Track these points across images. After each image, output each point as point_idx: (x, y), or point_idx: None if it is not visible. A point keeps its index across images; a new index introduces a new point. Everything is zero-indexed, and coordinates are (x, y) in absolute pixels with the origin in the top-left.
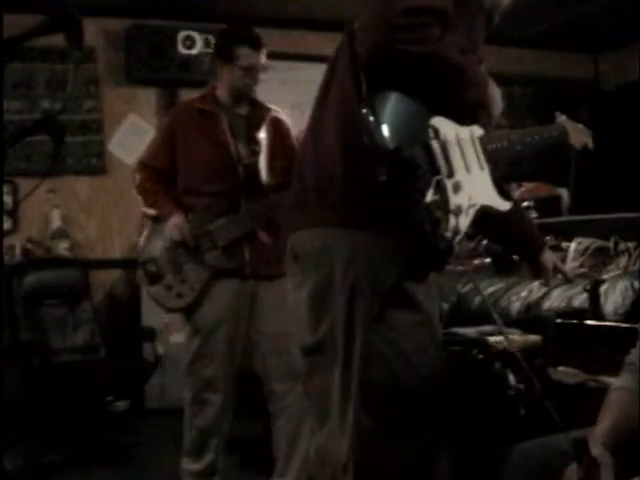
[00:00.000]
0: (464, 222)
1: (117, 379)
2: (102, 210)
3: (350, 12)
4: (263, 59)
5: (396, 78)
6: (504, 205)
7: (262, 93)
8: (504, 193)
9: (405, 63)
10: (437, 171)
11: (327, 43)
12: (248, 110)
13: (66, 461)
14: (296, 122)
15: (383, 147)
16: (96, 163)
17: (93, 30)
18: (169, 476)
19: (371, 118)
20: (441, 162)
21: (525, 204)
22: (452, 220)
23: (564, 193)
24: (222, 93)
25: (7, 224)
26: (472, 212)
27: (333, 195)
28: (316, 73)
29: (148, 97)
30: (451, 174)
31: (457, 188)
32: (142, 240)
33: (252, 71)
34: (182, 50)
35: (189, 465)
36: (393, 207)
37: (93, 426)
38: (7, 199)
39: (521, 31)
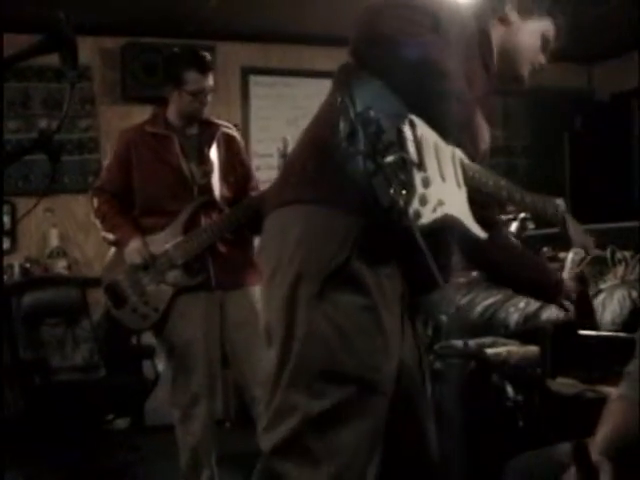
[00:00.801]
0: (428, 214)
1: (117, 397)
2: (99, 228)
3: (346, 28)
4: (211, 81)
5: (378, 68)
6: (479, 232)
7: (258, 107)
8: (484, 223)
9: (388, 50)
10: (406, 152)
11: (323, 59)
12: (198, 129)
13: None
14: (292, 138)
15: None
16: (93, 181)
17: (88, 48)
18: None
19: (349, 106)
20: (411, 149)
21: (522, 215)
22: (415, 203)
23: (561, 203)
24: (172, 115)
25: (6, 244)
26: (440, 211)
27: (294, 173)
28: (312, 88)
29: (144, 114)
30: (421, 167)
31: (426, 183)
32: (105, 264)
33: (200, 95)
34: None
35: None
36: (351, 174)
37: (93, 444)
38: (5, 219)
39: None
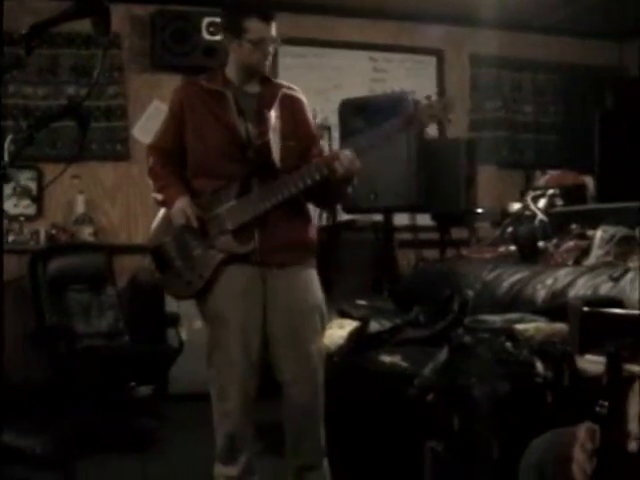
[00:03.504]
0: None
1: (140, 364)
2: (126, 196)
3: (382, 0)
4: (274, 31)
5: None
6: None
7: (287, 78)
8: None
9: None
10: None
11: (353, 30)
12: (259, 88)
13: (91, 445)
14: (320, 109)
15: None
16: (120, 149)
17: (118, 16)
18: (193, 461)
19: None
20: None
21: (550, 192)
22: None
23: (589, 181)
24: (231, 71)
25: (32, 210)
26: None
27: None
28: (342, 60)
29: (172, 83)
30: None
31: None
32: (152, 227)
33: (262, 44)
34: (206, 36)
35: (223, 470)
36: None
37: (117, 411)
38: (32, 185)
39: (546, 17)
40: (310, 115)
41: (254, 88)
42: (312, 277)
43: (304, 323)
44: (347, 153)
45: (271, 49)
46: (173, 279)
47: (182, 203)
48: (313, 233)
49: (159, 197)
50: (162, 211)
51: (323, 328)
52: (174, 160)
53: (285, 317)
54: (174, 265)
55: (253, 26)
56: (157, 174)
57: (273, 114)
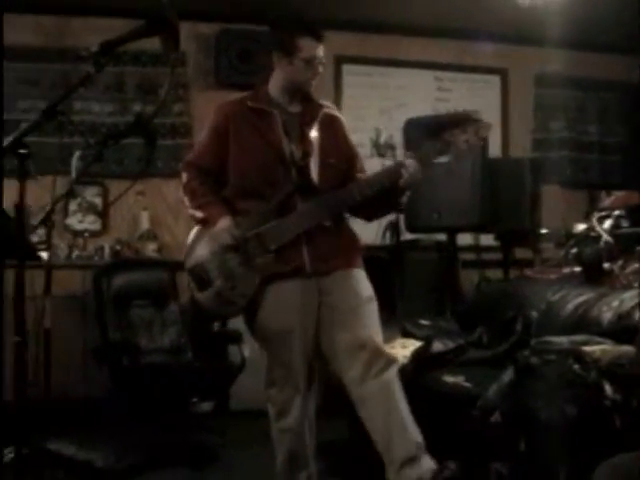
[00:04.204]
0: None
1: (202, 381)
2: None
3: (439, 18)
4: (322, 51)
5: None
6: None
7: (351, 96)
8: None
9: None
10: None
11: (417, 49)
12: (300, 107)
13: (151, 459)
14: (384, 127)
15: None
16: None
17: (184, 34)
18: (255, 476)
19: None
20: None
21: (616, 213)
22: None
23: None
24: (275, 90)
25: (97, 225)
26: None
27: None
28: (406, 79)
29: None
30: None
31: None
32: (188, 245)
33: (313, 63)
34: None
35: None
36: None
37: (178, 426)
38: (97, 201)
39: (611, 36)
40: (348, 134)
41: (296, 107)
42: (362, 275)
43: (362, 314)
44: (412, 161)
45: (320, 69)
46: (213, 298)
47: (226, 222)
48: (357, 239)
49: (198, 215)
50: (197, 229)
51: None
52: (212, 178)
53: (344, 315)
54: (214, 284)
55: (306, 44)
56: (195, 191)
57: (314, 133)
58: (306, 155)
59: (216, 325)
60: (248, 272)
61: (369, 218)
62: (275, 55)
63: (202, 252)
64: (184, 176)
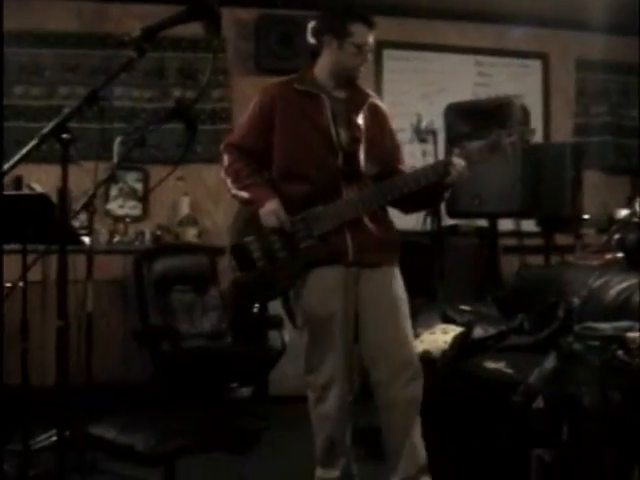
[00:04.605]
0: None
1: (242, 366)
2: (230, 198)
3: (479, 2)
4: (372, 39)
5: None
6: None
7: (392, 81)
8: None
9: None
10: None
11: (460, 34)
12: (347, 94)
13: (191, 444)
14: (425, 113)
15: None
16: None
17: (223, 20)
18: (293, 462)
19: None
20: None
21: None
22: None
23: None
24: (322, 74)
25: (138, 211)
26: None
27: None
28: (446, 64)
29: None
30: None
31: None
32: (232, 224)
33: (364, 49)
34: (311, 39)
35: (323, 473)
36: None
37: (218, 411)
38: (138, 186)
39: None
40: (392, 125)
41: (342, 93)
42: (398, 275)
43: (398, 316)
44: (459, 160)
45: (370, 56)
46: (255, 279)
47: (274, 205)
48: (397, 233)
49: (244, 195)
50: (241, 209)
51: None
52: (257, 159)
53: (379, 317)
54: (257, 265)
55: (358, 30)
56: (239, 172)
57: (360, 121)
58: (355, 141)
59: (257, 310)
60: (291, 256)
61: (407, 211)
62: (326, 38)
63: (245, 232)
64: (226, 157)
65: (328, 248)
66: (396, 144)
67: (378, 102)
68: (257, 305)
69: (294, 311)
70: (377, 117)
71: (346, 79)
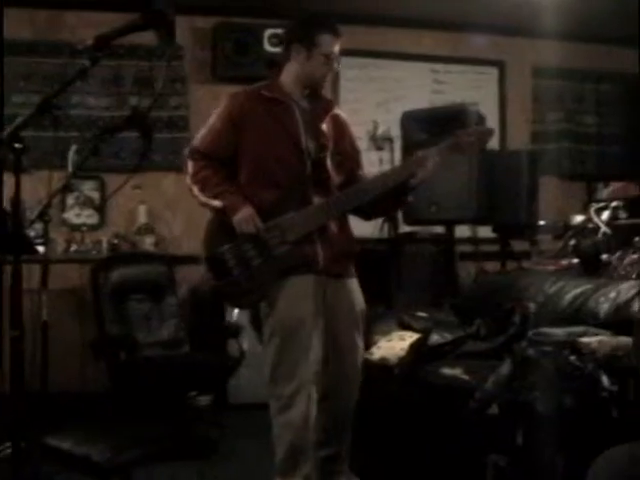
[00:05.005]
0: None
1: (201, 374)
2: (187, 206)
3: (435, 10)
4: (338, 48)
5: None
6: None
7: (348, 89)
8: None
9: None
10: None
11: (416, 42)
12: (311, 102)
13: (149, 453)
14: (381, 120)
15: None
16: (182, 160)
17: (180, 28)
18: (251, 471)
19: None
20: None
21: (614, 204)
22: None
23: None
24: (289, 83)
25: (95, 219)
26: None
27: None
28: (403, 72)
29: None
30: None
31: None
32: (205, 234)
33: (331, 59)
34: (268, 48)
35: None
36: None
37: (177, 420)
38: (95, 195)
39: (608, 28)
40: (354, 135)
41: (306, 102)
42: (358, 286)
43: (357, 331)
44: (432, 156)
45: (336, 65)
46: (231, 287)
47: (249, 211)
48: (356, 245)
49: (216, 203)
50: (212, 218)
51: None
52: (225, 167)
53: (344, 326)
54: (232, 274)
55: (326, 40)
56: (208, 179)
57: (326, 129)
58: (323, 149)
59: (215, 318)
60: (266, 263)
61: (370, 216)
62: (294, 48)
63: (219, 241)
64: (191, 164)
65: (301, 253)
66: (357, 150)
67: (341, 113)
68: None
69: (262, 322)
70: (339, 125)
71: (312, 88)
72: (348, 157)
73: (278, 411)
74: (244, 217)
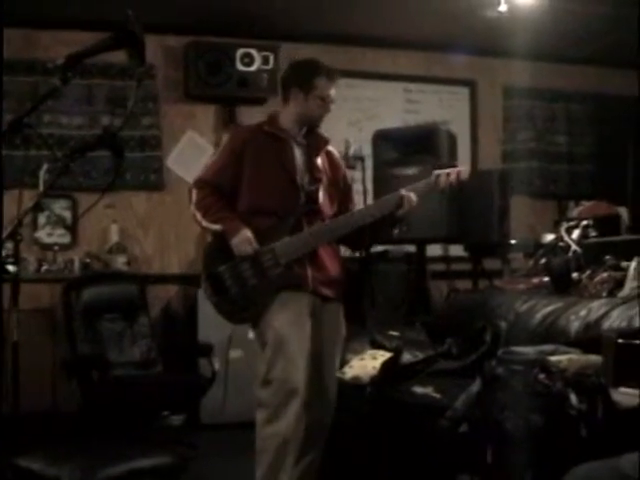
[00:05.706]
0: None
1: (173, 394)
2: (159, 226)
3: (408, 30)
4: (334, 91)
5: None
6: None
7: None
8: None
9: None
10: None
11: (389, 62)
12: (308, 139)
13: (122, 474)
14: (353, 139)
15: None
16: (154, 179)
17: (152, 47)
18: None
19: None
20: None
21: (584, 223)
22: None
23: (623, 212)
24: (288, 121)
25: (66, 239)
26: None
27: None
28: (376, 91)
29: (206, 114)
30: None
31: None
32: (205, 254)
33: (327, 101)
34: (240, 67)
35: None
36: None
37: (148, 440)
38: (67, 214)
39: (579, 48)
40: (346, 171)
41: (304, 138)
42: (342, 313)
43: (336, 354)
44: (411, 194)
45: (331, 107)
46: (227, 304)
47: (248, 234)
48: (344, 272)
49: (216, 227)
50: (212, 240)
51: None
52: (225, 196)
53: (327, 346)
54: (230, 292)
55: (322, 84)
56: (210, 206)
57: (320, 164)
58: (316, 181)
59: (187, 338)
60: (261, 283)
61: (356, 247)
62: (292, 91)
63: (218, 262)
64: (196, 193)
65: (293, 275)
66: (348, 185)
67: (334, 149)
68: None
69: (260, 332)
70: (332, 161)
71: (309, 126)
72: (340, 191)
73: (266, 420)
74: (242, 239)
